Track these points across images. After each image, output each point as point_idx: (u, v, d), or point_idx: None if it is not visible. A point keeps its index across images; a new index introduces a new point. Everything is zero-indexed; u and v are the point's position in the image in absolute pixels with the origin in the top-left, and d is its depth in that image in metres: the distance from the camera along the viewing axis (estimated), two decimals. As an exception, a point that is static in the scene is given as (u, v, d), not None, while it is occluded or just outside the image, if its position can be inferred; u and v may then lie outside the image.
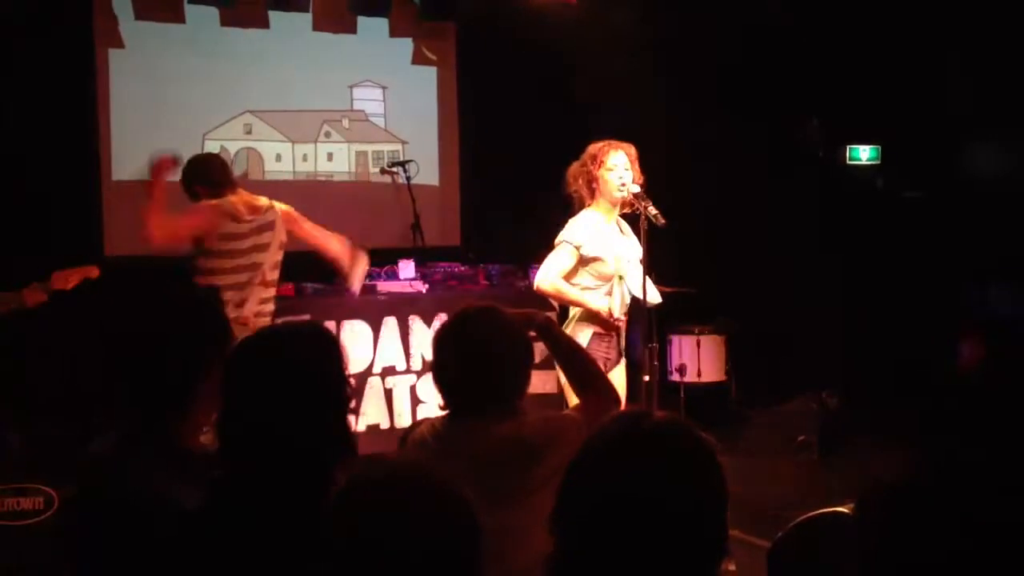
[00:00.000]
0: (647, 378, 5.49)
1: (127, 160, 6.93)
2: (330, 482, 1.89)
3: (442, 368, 2.59)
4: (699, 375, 6.99)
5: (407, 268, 6.25)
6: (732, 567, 4.26)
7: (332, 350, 2.07)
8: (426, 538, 1.44)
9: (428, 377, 5.97)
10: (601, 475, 1.51)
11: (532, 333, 2.78)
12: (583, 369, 2.80)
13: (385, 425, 5.94)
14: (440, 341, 2.62)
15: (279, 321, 4.93)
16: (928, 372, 6.45)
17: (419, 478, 1.51)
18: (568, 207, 4.83)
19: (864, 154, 7.39)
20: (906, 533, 1.33)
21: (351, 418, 2.09)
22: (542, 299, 4.81)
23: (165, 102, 7.05)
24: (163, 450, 2.11)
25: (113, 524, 2.01)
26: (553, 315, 4.05)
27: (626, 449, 1.52)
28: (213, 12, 7.01)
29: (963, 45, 6.16)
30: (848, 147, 7.39)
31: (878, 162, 7.39)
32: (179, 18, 6.95)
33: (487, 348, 2.53)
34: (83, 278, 4.44)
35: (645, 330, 6.06)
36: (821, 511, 2.57)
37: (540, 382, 6.51)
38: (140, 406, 2.16)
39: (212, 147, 7.18)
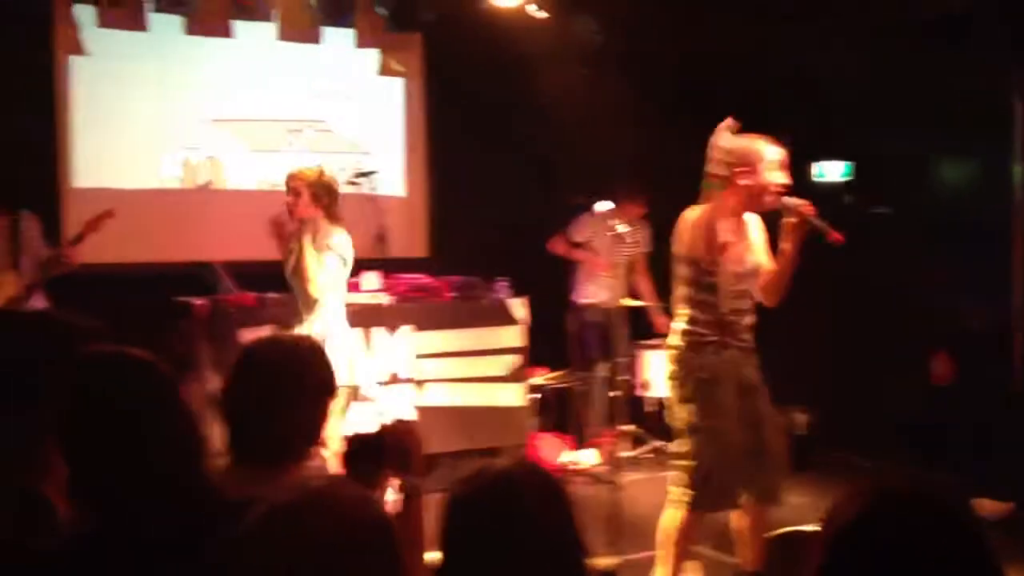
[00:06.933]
0: (613, 393, 5.43)
1: (88, 167, 6.83)
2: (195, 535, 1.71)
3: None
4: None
5: (370, 279, 6.15)
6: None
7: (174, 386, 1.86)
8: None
9: (392, 388, 5.89)
10: (464, 519, 1.67)
11: None
12: None
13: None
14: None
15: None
16: (902, 387, 6.41)
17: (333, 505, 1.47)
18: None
19: (832, 171, 7.34)
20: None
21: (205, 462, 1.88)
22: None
23: (127, 110, 6.96)
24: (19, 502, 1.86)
25: None
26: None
27: (478, 494, 1.68)
28: (177, 21, 6.91)
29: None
30: (814, 164, 7.33)
31: (849, 179, 7.34)
32: (141, 26, 6.83)
33: (261, 391, 2.20)
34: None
35: (613, 345, 5.99)
36: (790, 529, 2.52)
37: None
38: None
39: (175, 156, 7.09)
